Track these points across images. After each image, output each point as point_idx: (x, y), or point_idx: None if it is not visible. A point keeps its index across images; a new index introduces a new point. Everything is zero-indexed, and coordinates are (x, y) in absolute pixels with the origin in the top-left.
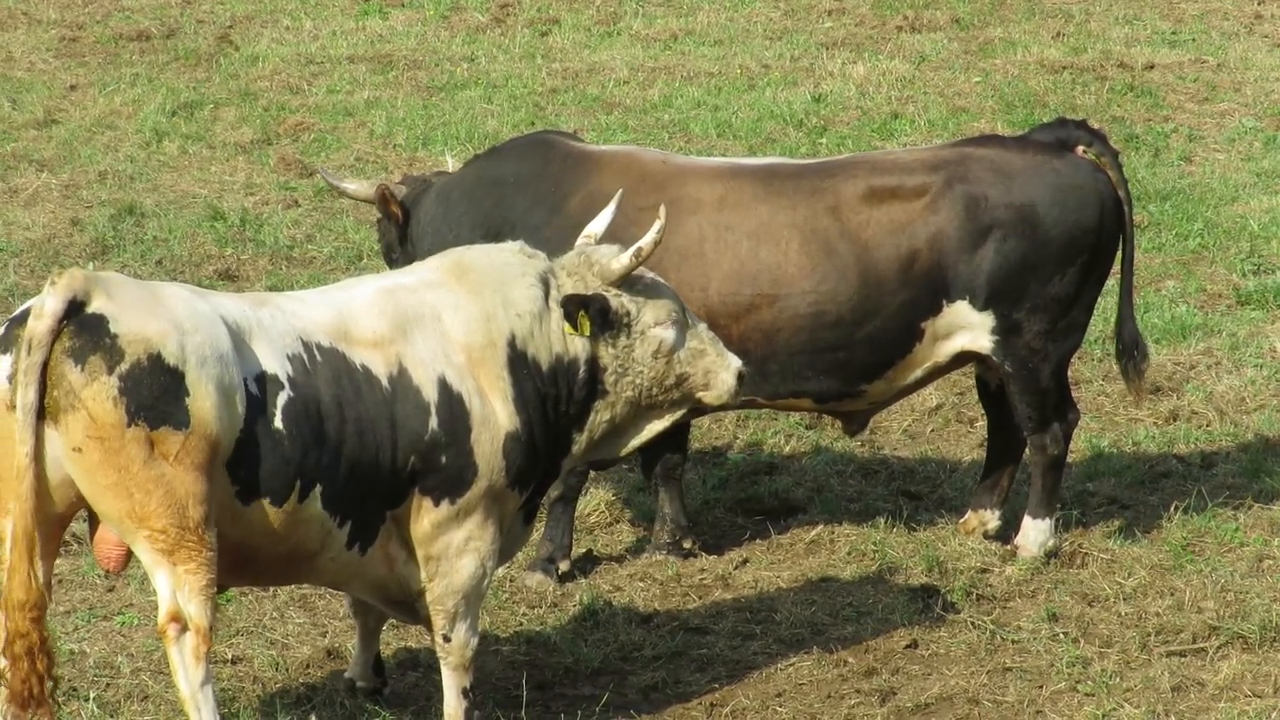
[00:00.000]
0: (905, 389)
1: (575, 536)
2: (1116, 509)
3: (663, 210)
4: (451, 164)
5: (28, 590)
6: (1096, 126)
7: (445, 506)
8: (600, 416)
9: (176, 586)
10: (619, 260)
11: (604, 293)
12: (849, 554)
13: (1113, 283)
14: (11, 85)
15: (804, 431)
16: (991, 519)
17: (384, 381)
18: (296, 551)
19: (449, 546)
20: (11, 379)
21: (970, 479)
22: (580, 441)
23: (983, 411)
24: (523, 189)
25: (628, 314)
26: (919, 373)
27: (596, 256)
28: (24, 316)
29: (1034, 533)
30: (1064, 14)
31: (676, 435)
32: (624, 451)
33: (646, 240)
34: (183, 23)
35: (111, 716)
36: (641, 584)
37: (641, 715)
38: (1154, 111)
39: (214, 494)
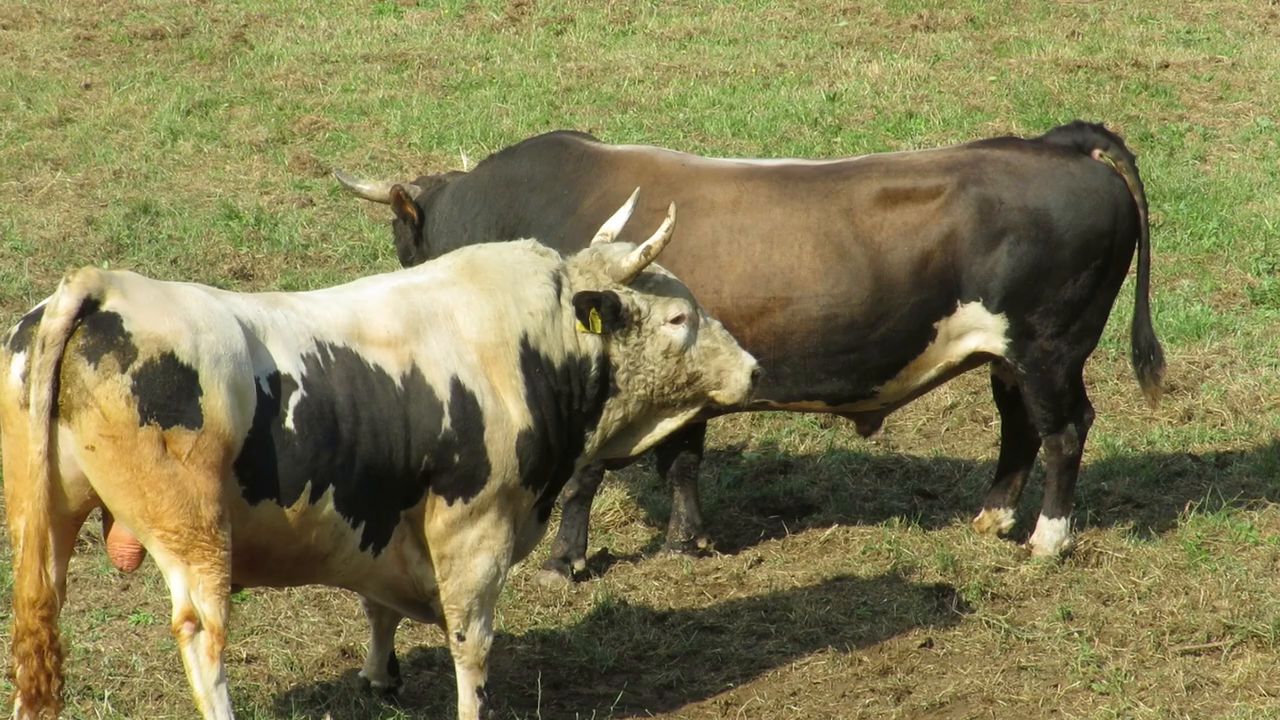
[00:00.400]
0: (918, 389)
1: (590, 535)
2: (1131, 508)
3: (672, 208)
4: (466, 163)
5: (38, 589)
6: (1113, 130)
7: (459, 505)
8: (613, 415)
9: (190, 586)
10: (629, 258)
11: (615, 290)
12: (864, 553)
13: (1130, 283)
14: (26, 84)
15: (819, 430)
16: (1005, 518)
17: (397, 381)
18: (309, 552)
19: (463, 545)
20: (25, 377)
21: (985, 478)
22: (593, 440)
23: (997, 411)
24: (537, 189)
25: (639, 312)
26: (932, 373)
27: (608, 255)
28: (38, 315)
29: (1049, 532)
30: (1079, 13)
31: (692, 434)
32: (637, 450)
33: (656, 238)
34: (197, 22)
35: (126, 715)
36: (656, 583)
37: (656, 714)
38: (1169, 110)
39: (227, 493)
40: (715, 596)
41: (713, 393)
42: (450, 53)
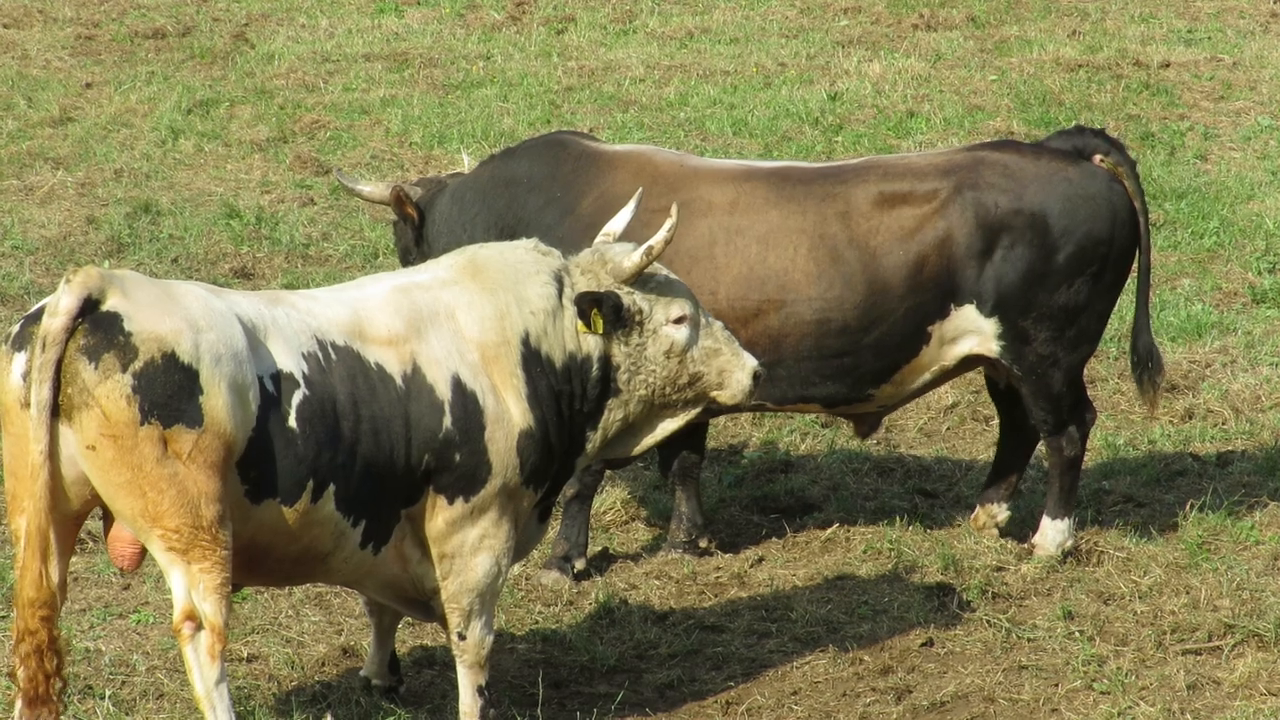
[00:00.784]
0: (914, 392)
1: (591, 535)
2: (1132, 507)
3: (674, 209)
4: (468, 162)
5: (38, 589)
6: (1114, 132)
7: (460, 504)
8: (614, 415)
9: (191, 585)
10: (630, 259)
11: (617, 290)
12: (865, 552)
13: (1131, 286)
14: (27, 83)
15: (820, 430)
16: (1000, 512)
17: (398, 380)
18: (310, 551)
19: (463, 544)
20: (26, 376)
21: (986, 477)
22: (594, 439)
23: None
24: (535, 189)
25: (640, 312)
26: (927, 376)
27: (610, 255)
28: (39, 314)
29: (1052, 533)
30: (1080, 12)
31: (693, 434)
32: (638, 450)
33: (657, 239)
34: (198, 21)
35: (127, 715)
36: (657, 582)
37: (657, 713)
38: (1170, 110)
39: (228, 493)
40: (716, 596)
41: (714, 393)
42: (451, 52)
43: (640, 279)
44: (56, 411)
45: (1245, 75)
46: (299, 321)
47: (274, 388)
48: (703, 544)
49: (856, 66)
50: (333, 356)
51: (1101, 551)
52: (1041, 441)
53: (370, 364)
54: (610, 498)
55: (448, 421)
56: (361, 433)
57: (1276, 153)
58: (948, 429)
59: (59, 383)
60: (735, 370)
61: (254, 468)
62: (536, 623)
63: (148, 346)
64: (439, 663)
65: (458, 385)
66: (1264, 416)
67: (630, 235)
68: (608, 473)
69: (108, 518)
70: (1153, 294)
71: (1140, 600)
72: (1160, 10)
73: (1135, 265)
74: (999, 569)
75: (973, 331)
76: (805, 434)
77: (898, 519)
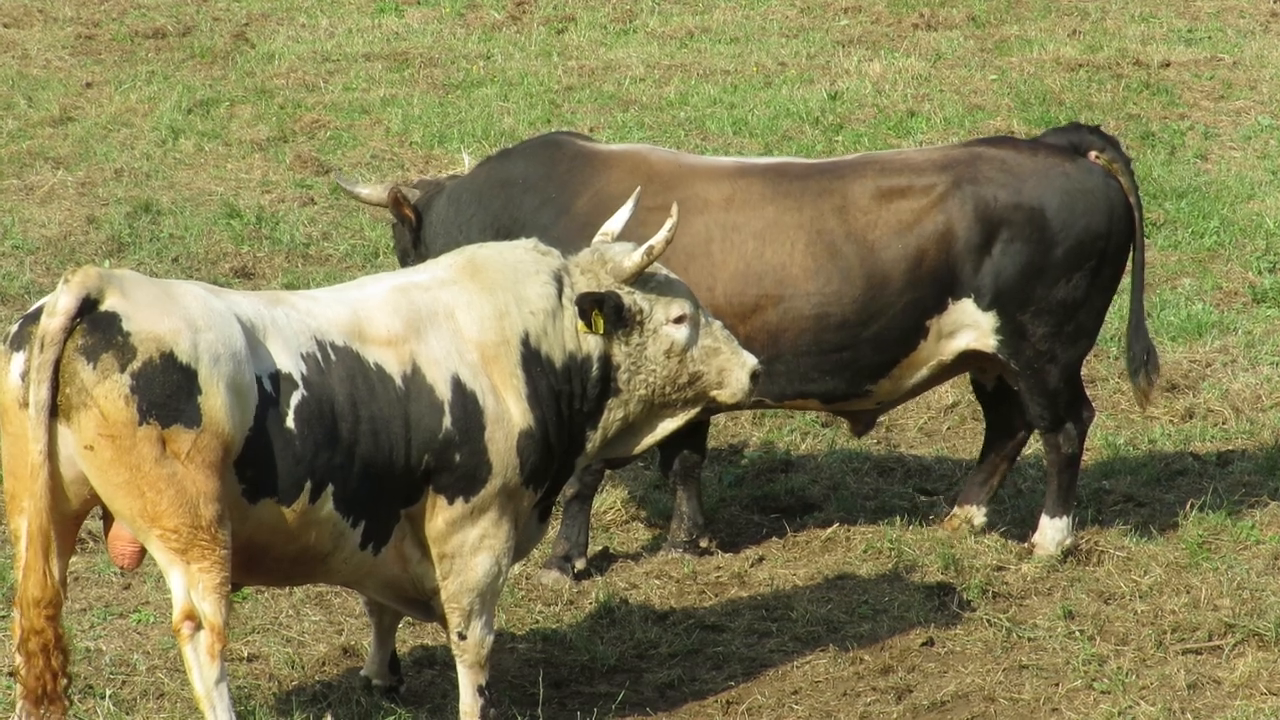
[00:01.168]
0: (912, 389)
1: (591, 534)
2: (1132, 507)
3: (674, 208)
4: (468, 162)
5: (43, 588)
6: (1112, 130)
7: (459, 504)
8: (614, 414)
9: (190, 585)
10: (631, 258)
11: (617, 290)
12: (865, 551)
13: (1127, 284)
14: (28, 83)
15: (820, 429)
16: (977, 515)
17: (398, 380)
18: (309, 551)
19: (463, 544)
20: (24, 376)
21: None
22: (594, 439)
23: None
24: (531, 190)
25: (641, 312)
26: (925, 371)
27: (610, 254)
28: (38, 314)
29: (1051, 531)
30: (1080, 11)
31: (694, 433)
32: (639, 449)
33: (658, 238)
34: (199, 20)
35: (127, 714)
36: (658, 582)
37: (657, 713)
38: (1170, 109)
39: (227, 492)
40: (717, 595)
41: (714, 392)
42: (451, 51)
43: (640, 278)
44: (55, 411)
45: (1245, 75)
46: (298, 322)
47: (272, 388)
48: (703, 543)
49: (857, 66)
50: (332, 357)
51: (1102, 551)
52: (1039, 441)
53: (369, 364)
54: (610, 497)
55: (447, 422)
56: (360, 433)
57: (1277, 152)
58: (948, 429)
59: (57, 383)
60: (735, 369)
61: (251, 467)
62: (537, 622)
63: (146, 346)
64: (439, 662)
65: (457, 385)
66: (1264, 416)
67: (628, 234)
68: (608, 473)
69: (108, 517)
70: (1150, 292)
71: (1140, 600)
72: (1160, 10)
73: (1130, 261)
74: (999, 568)
75: (970, 326)
76: (805, 434)
77: (898, 519)
